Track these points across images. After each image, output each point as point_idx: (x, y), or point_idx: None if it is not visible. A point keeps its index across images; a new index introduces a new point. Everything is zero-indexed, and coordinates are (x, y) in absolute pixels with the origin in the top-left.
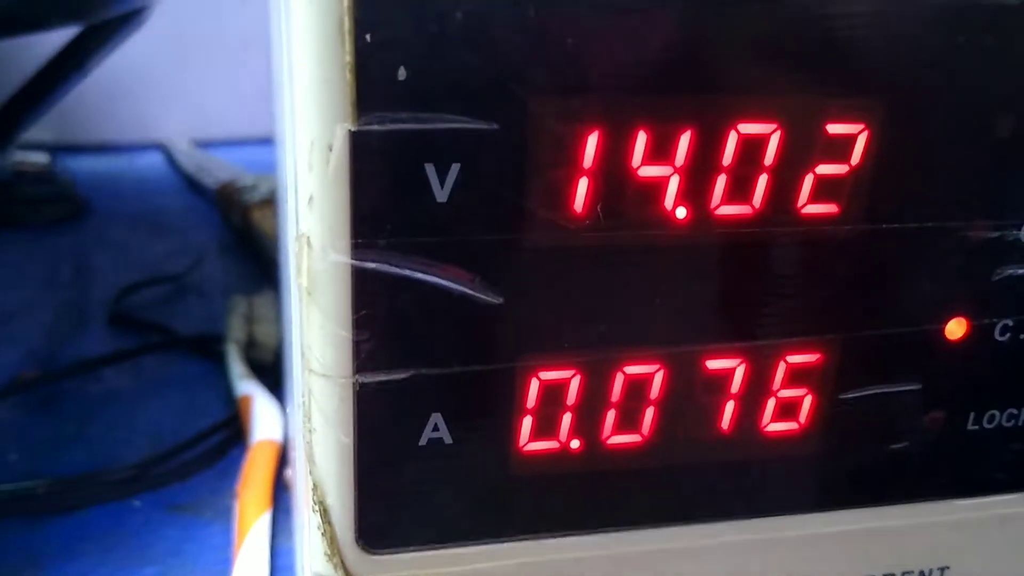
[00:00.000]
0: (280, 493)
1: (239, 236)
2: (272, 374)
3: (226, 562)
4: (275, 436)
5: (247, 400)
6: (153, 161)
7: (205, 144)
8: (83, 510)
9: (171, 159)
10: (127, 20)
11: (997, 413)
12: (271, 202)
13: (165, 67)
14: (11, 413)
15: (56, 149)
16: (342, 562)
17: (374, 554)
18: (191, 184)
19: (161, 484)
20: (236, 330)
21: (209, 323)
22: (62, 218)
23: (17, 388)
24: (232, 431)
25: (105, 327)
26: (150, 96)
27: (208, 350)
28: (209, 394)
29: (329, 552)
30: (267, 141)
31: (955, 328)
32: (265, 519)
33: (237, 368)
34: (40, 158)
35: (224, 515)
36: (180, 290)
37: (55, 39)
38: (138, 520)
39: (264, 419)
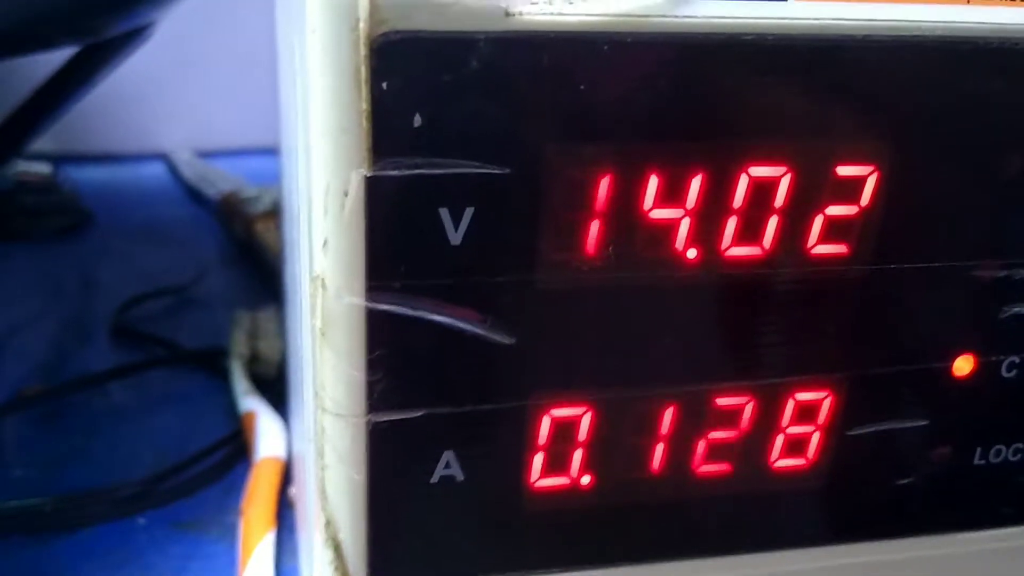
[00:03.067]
0: (284, 511)
1: (242, 248)
2: (276, 389)
3: None
4: (279, 453)
5: (251, 416)
6: (156, 171)
7: (208, 154)
8: (89, 527)
9: (173, 169)
10: (131, 36)
11: (1003, 448)
12: (274, 214)
13: (168, 77)
14: (16, 428)
15: (58, 159)
16: None
17: None
18: (193, 195)
19: (166, 501)
20: (240, 345)
21: (213, 336)
22: (65, 229)
23: (21, 403)
24: (236, 447)
25: (109, 340)
26: (153, 106)
27: (212, 364)
28: (213, 409)
29: None
30: (270, 151)
31: (962, 365)
32: (270, 538)
33: (241, 384)
34: (42, 168)
35: (229, 532)
36: (183, 302)
37: (60, 52)
38: (143, 538)
39: (268, 436)
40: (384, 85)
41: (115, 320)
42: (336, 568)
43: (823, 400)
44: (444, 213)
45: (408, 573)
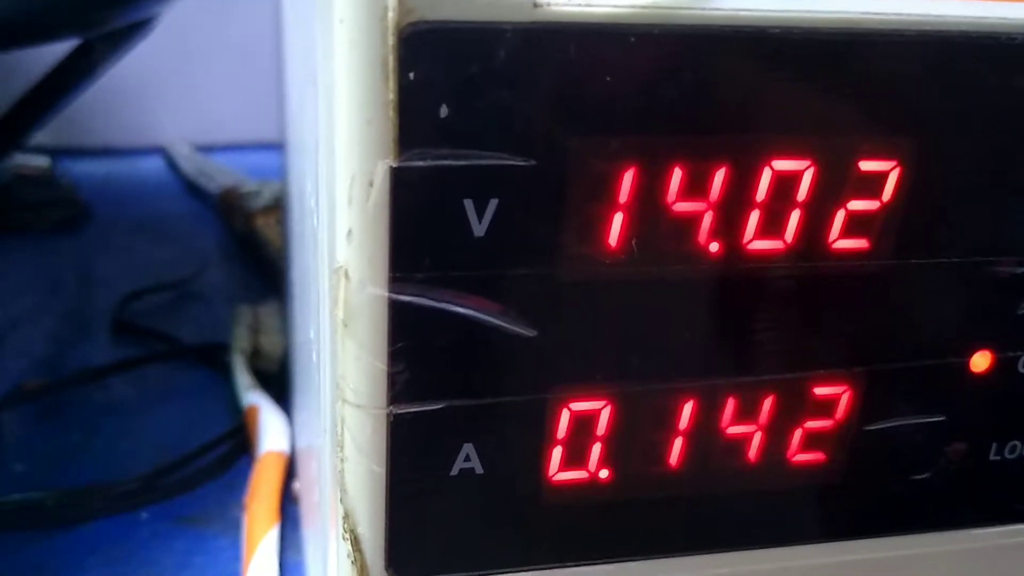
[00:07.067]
0: (288, 505)
1: (241, 242)
2: (277, 384)
3: (235, 574)
4: (282, 447)
5: (254, 411)
6: (154, 165)
7: (207, 148)
8: (91, 522)
9: (172, 163)
10: (133, 30)
11: (1019, 444)
12: (275, 209)
13: (167, 71)
14: (16, 423)
15: (56, 152)
16: None
17: None
18: (192, 189)
19: (168, 496)
20: (241, 340)
21: (213, 331)
22: (63, 223)
23: (21, 397)
24: (238, 442)
25: (109, 334)
26: (151, 100)
27: (213, 359)
28: (214, 404)
29: None
30: (269, 146)
31: (980, 361)
32: (274, 533)
33: (243, 379)
34: (40, 162)
35: (232, 527)
36: (183, 297)
37: (61, 45)
38: (146, 532)
39: (271, 430)
40: (411, 75)
41: (115, 314)
42: (354, 561)
43: (841, 395)
44: (469, 204)
45: (426, 566)
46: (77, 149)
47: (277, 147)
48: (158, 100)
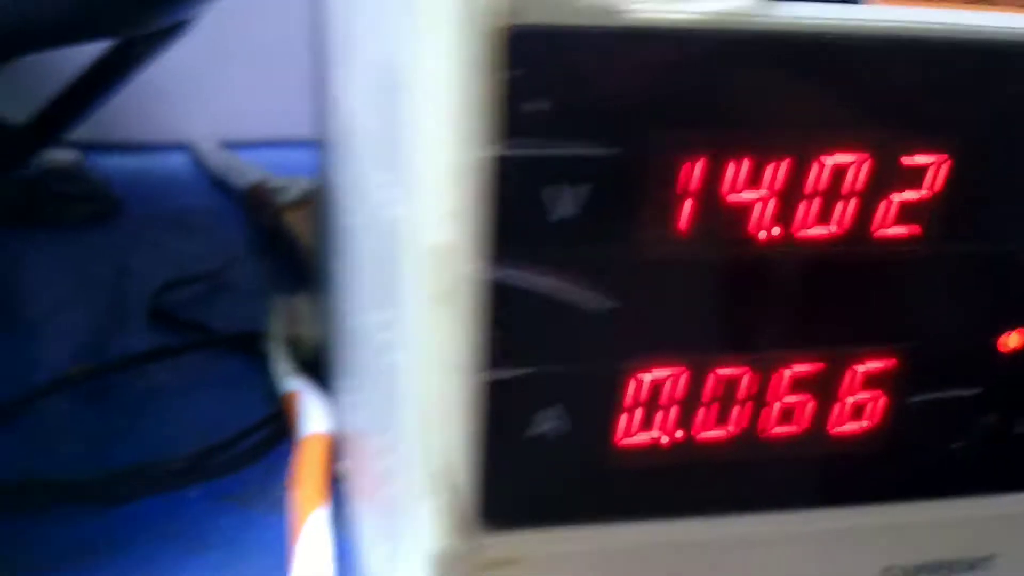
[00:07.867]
0: (334, 486)
1: (269, 236)
2: (313, 371)
3: (283, 550)
4: (326, 430)
5: (293, 396)
6: (181, 161)
7: (232, 145)
8: (139, 501)
9: (198, 159)
10: (172, 30)
11: None
12: (304, 203)
13: (195, 67)
14: (63, 407)
15: (85, 147)
16: (466, 539)
17: (496, 534)
18: (218, 184)
19: (214, 476)
20: (279, 328)
21: (243, 321)
22: (93, 216)
23: (68, 382)
24: (278, 427)
25: (144, 325)
26: (179, 96)
27: (249, 348)
28: (250, 391)
29: (455, 530)
30: (293, 143)
31: (1012, 340)
32: (323, 510)
33: (283, 365)
34: (69, 155)
35: (277, 507)
36: (214, 289)
37: (96, 44)
38: (194, 510)
39: (314, 414)
40: (512, 73)
41: (151, 305)
42: (448, 514)
43: (887, 369)
44: (561, 190)
45: (516, 517)
46: (105, 144)
47: (302, 144)
48: (186, 97)
